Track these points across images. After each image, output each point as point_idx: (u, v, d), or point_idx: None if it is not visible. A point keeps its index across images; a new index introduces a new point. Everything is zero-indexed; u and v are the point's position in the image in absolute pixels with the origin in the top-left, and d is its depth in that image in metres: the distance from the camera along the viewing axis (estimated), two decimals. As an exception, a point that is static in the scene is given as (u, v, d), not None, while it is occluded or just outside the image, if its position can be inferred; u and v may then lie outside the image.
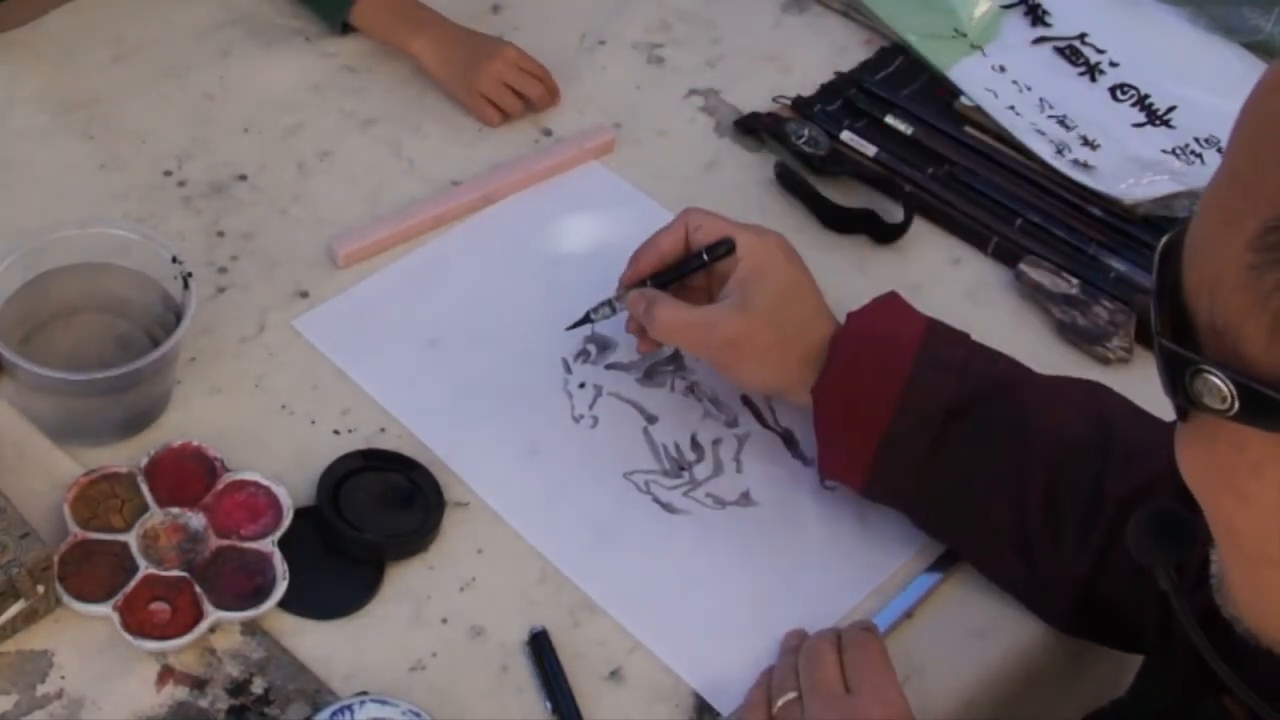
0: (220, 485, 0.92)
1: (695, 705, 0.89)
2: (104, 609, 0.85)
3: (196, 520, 0.90)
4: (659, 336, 0.97)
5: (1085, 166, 1.21)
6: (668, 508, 0.98)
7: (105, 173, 1.12)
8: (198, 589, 0.87)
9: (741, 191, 1.18)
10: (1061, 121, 1.26)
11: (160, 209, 1.10)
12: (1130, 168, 1.22)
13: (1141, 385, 0.92)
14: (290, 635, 0.88)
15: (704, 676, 0.90)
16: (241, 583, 0.88)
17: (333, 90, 1.21)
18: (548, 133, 1.21)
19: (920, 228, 1.17)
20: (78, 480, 0.90)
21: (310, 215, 1.12)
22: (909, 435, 0.91)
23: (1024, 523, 0.90)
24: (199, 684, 0.85)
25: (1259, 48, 1.34)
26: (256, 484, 0.92)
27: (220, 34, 1.24)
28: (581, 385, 1.04)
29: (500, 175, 1.16)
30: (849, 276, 1.11)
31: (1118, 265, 1.15)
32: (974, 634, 0.94)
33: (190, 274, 0.95)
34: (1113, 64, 1.33)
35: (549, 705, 0.87)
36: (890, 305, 0.95)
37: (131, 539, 0.88)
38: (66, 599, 0.85)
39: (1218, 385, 0.52)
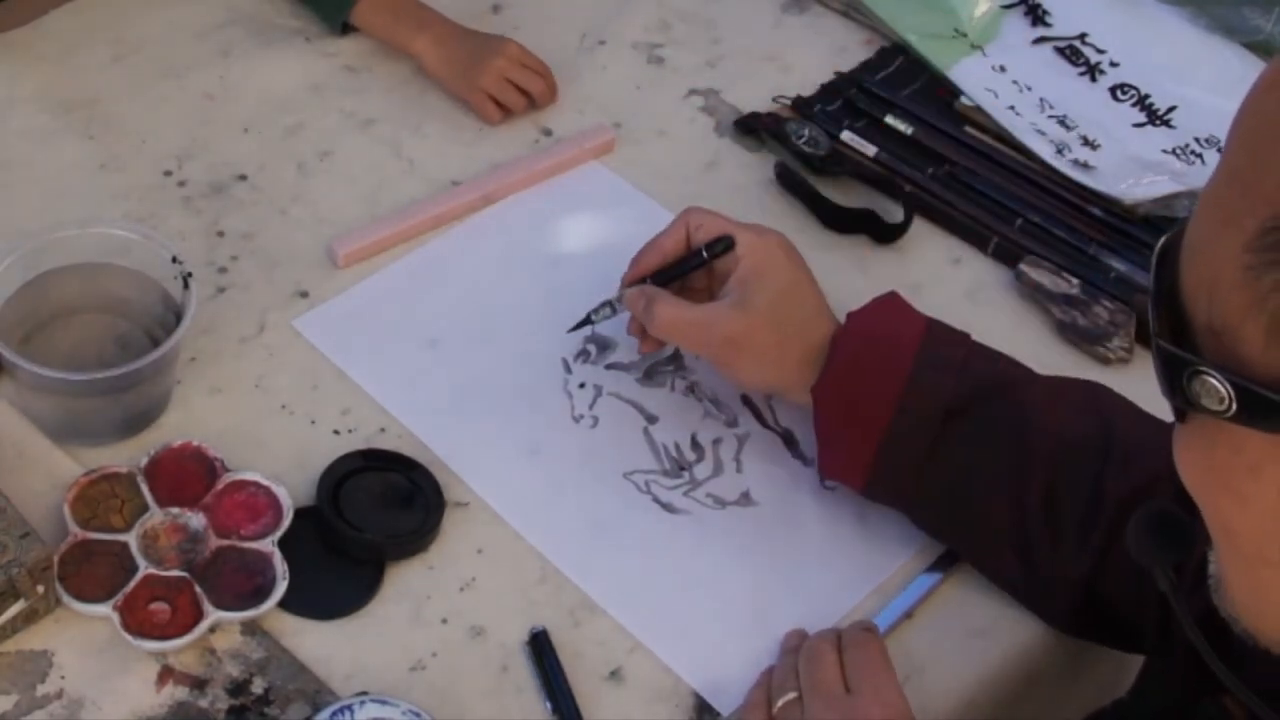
0: (220, 485, 0.92)
1: (695, 705, 0.89)
2: (104, 609, 0.85)
3: (196, 520, 0.90)
4: (658, 334, 0.96)
5: (1085, 166, 1.21)
6: (668, 508, 0.98)
7: (105, 173, 1.12)
8: (198, 589, 0.87)
9: (741, 191, 1.18)
10: (1062, 121, 1.26)
11: (160, 209, 1.10)
12: (1130, 168, 1.22)
13: (1141, 385, 0.92)
14: (290, 635, 0.88)
15: (704, 676, 0.90)
16: (241, 583, 0.88)
17: (333, 90, 1.21)
18: (548, 133, 1.21)
19: (920, 228, 1.17)
20: (78, 480, 0.90)
21: (310, 215, 1.12)
22: (909, 435, 0.91)
23: (1024, 523, 0.90)
24: (199, 684, 0.85)
25: (1259, 48, 1.34)
26: (256, 484, 0.92)
27: (220, 34, 1.24)
28: (581, 385, 1.04)
29: (500, 175, 1.16)
30: (849, 276, 1.11)
31: (1118, 265, 1.15)
32: (974, 634, 0.94)
33: (190, 274, 0.95)
34: (1113, 64, 1.33)
35: (549, 705, 0.87)
36: (890, 305, 0.95)
37: (131, 539, 0.88)
38: (66, 599, 0.85)
39: (1215, 386, 0.52)
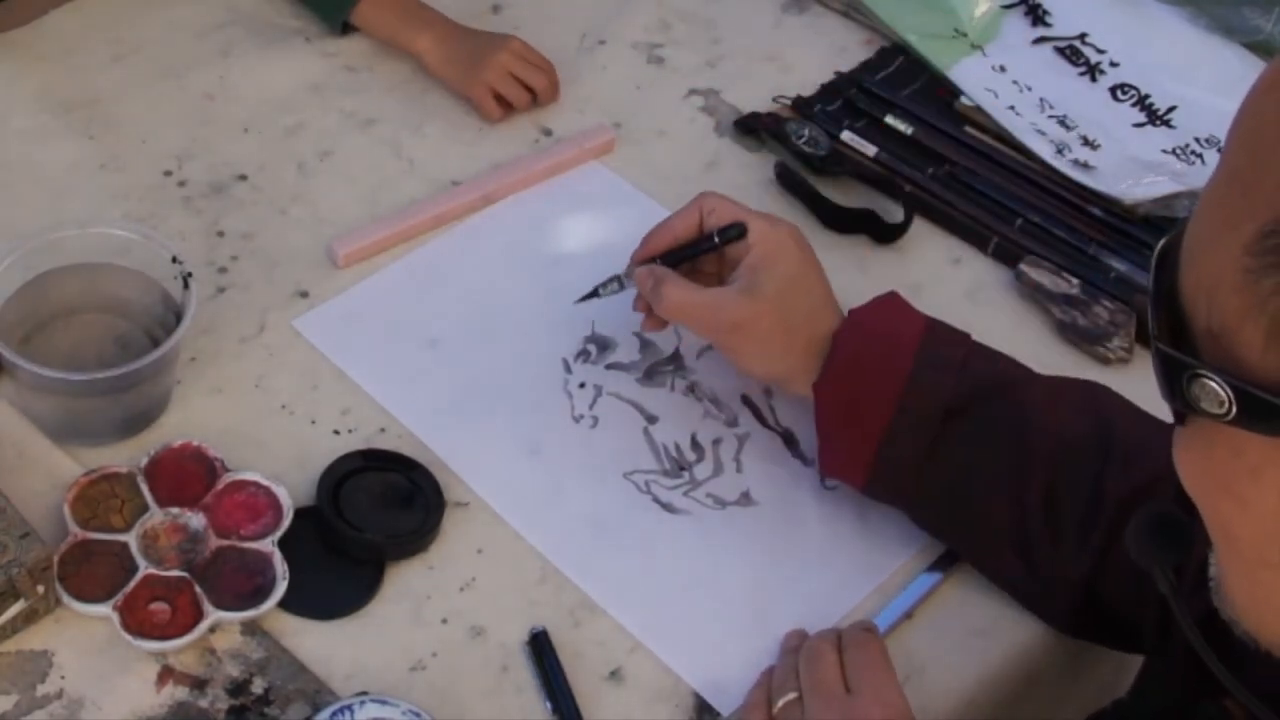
0: (220, 485, 0.92)
1: (695, 705, 0.89)
2: (104, 609, 0.85)
3: (196, 520, 0.90)
4: (665, 314, 0.96)
5: (1085, 166, 1.21)
6: (668, 508, 0.98)
7: (105, 173, 1.12)
8: (198, 589, 0.87)
9: (741, 191, 1.18)
10: (1061, 121, 1.26)
11: (160, 209, 1.10)
12: (1130, 168, 1.22)
13: (1141, 385, 0.92)
14: (290, 635, 0.88)
15: (704, 676, 0.90)
16: (241, 583, 0.88)
17: (333, 90, 1.21)
18: (548, 133, 1.21)
19: (920, 228, 1.17)
20: (78, 480, 0.90)
21: (310, 215, 1.12)
22: (909, 434, 0.91)
23: (1024, 522, 0.90)
24: (199, 684, 0.85)
25: (1259, 48, 1.34)
26: (256, 484, 0.92)
27: (220, 34, 1.24)
28: (581, 385, 1.04)
29: (500, 175, 1.16)
30: (849, 276, 1.11)
31: (1118, 265, 1.15)
32: (974, 634, 0.94)
33: (190, 274, 0.95)
34: (1113, 64, 1.33)
35: (549, 705, 0.87)
36: (890, 304, 0.95)
37: (131, 539, 0.88)
38: (66, 599, 0.85)
39: (1215, 390, 0.51)
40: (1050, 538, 0.89)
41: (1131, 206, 1.19)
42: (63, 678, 0.84)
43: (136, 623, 0.85)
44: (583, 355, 1.05)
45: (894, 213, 1.17)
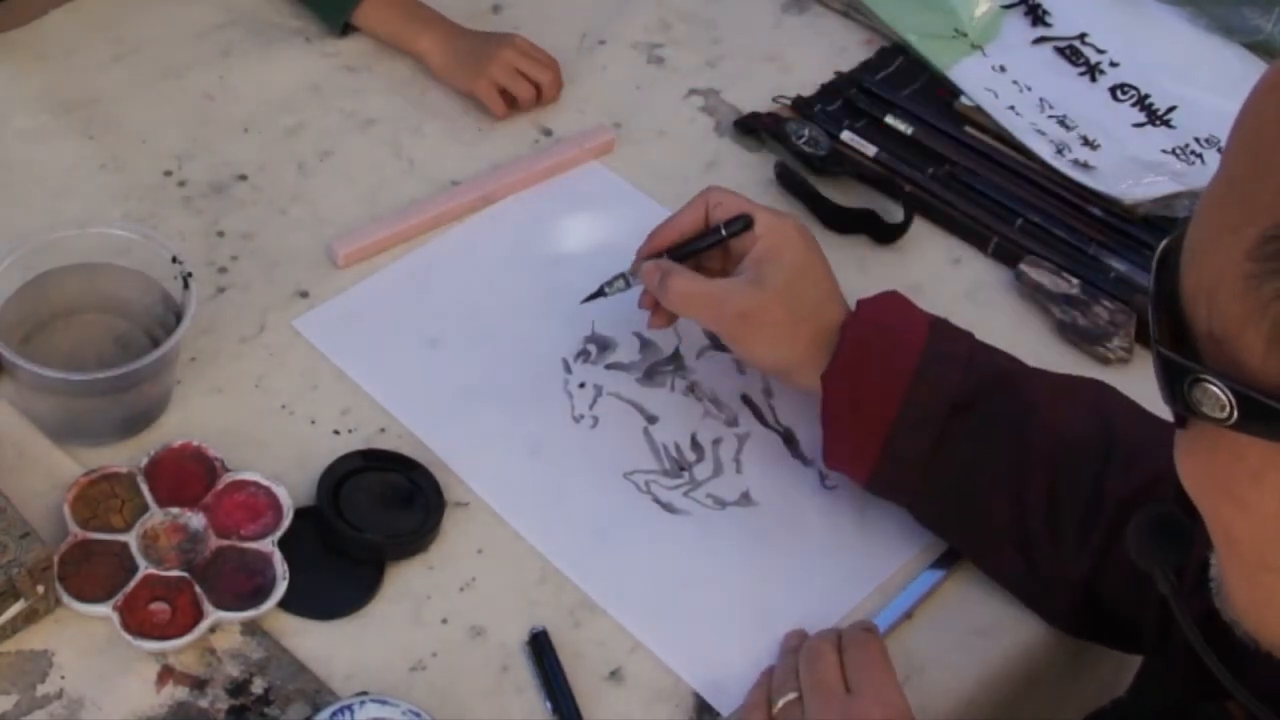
0: (220, 485, 0.92)
1: (695, 705, 0.89)
2: (104, 609, 0.85)
3: (196, 520, 0.90)
4: (672, 306, 0.96)
5: (1085, 166, 1.21)
6: (668, 508, 0.98)
7: (105, 173, 1.12)
8: (198, 589, 0.87)
9: (741, 191, 1.17)
10: (1061, 121, 1.26)
11: (160, 209, 1.10)
12: (1130, 168, 1.22)
13: (1141, 385, 0.92)
14: (290, 635, 0.88)
15: (704, 676, 0.90)
16: (241, 583, 0.88)
17: (333, 90, 1.21)
18: (548, 133, 1.21)
19: (920, 228, 1.17)
20: (78, 480, 0.90)
21: (310, 215, 1.12)
22: (915, 428, 0.91)
23: (1024, 520, 0.90)
24: (199, 684, 0.85)
25: (1259, 48, 1.34)
26: (256, 484, 0.92)
27: (220, 34, 1.24)
28: (581, 385, 1.04)
29: (500, 175, 1.16)
30: (849, 276, 1.10)
31: (1118, 265, 1.15)
32: (974, 633, 0.94)
33: (190, 274, 0.95)
34: (1113, 64, 1.33)
35: (549, 705, 0.87)
36: (895, 300, 0.95)
37: (131, 539, 0.88)
38: (66, 599, 0.85)
39: (1216, 394, 0.51)
40: (1051, 537, 0.90)
41: (1131, 206, 1.19)
42: (63, 678, 0.84)
43: (136, 623, 0.85)
44: (583, 355, 1.05)
45: (894, 213, 1.17)
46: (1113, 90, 1.31)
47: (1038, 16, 1.36)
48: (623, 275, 0.99)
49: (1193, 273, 0.53)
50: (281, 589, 0.88)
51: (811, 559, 0.96)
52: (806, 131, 1.20)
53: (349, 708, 0.83)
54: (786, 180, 1.19)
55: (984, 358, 0.93)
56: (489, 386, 1.03)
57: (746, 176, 1.20)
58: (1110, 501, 0.88)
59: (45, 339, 0.95)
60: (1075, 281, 1.12)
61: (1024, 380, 0.93)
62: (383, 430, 0.99)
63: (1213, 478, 0.55)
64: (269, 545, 0.89)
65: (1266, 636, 0.58)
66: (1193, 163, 1.24)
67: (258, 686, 0.85)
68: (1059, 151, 1.22)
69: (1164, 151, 1.25)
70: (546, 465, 0.99)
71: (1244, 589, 0.58)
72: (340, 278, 1.08)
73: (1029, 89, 1.29)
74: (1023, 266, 1.13)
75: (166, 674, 0.85)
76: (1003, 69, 1.30)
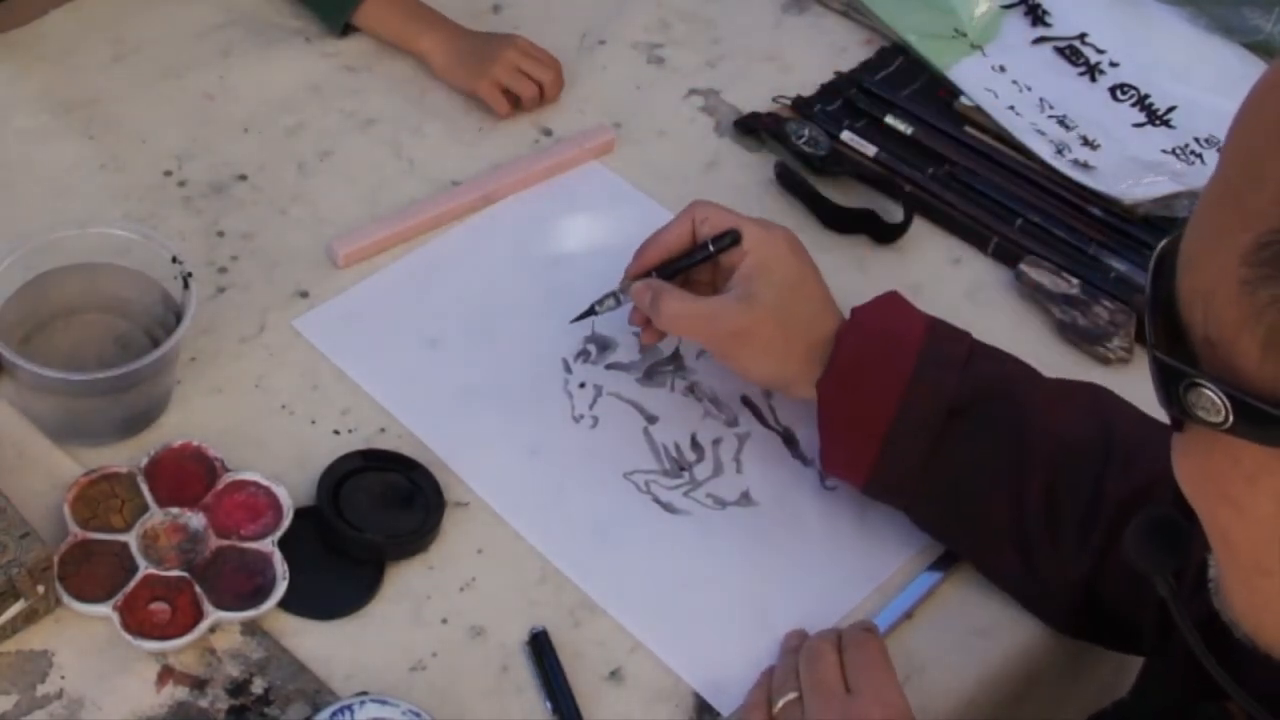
0: (220, 485, 0.92)
1: (695, 705, 0.89)
2: (104, 609, 0.85)
3: (196, 520, 0.90)
4: (664, 327, 0.96)
5: (1085, 166, 1.21)
6: (668, 508, 0.98)
7: (105, 173, 1.12)
8: (198, 589, 0.87)
9: (741, 191, 1.18)
10: (1061, 121, 1.26)
11: (160, 209, 1.10)
12: (1130, 168, 1.22)
13: (1141, 385, 0.91)
14: (290, 635, 0.88)
15: (704, 676, 0.90)
16: (241, 583, 0.88)
17: (333, 90, 1.21)
18: (548, 133, 1.21)
19: (920, 228, 1.17)
20: (78, 480, 0.90)
21: (310, 215, 1.12)
22: (912, 432, 0.91)
23: (1023, 523, 0.90)
24: (199, 684, 0.85)
25: (1259, 48, 1.34)
26: (256, 484, 0.92)
27: (220, 34, 1.24)
28: (581, 385, 1.04)
29: (500, 175, 1.16)
30: (849, 276, 1.11)
31: (1118, 265, 1.15)
32: (974, 634, 0.94)
33: (190, 274, 0.95)
34: (1113, 64, 1.33)
35: (549, 705, 0.87)
36: (892, 303, 0.95)
37: (131, 539, 0.88)
38: (66, 599, 0.85)
39: (1212, 398, 0.51)
40: (1050, 538, 0.90)
41: (1131, 206, 1.19)
42: (63, 678, 0.84)
43: (136, 623, 0.85)
44: (583, 355, 1.05)
45: (894, 213, 1.17)
46: (1113, 90, 1.31)
47: (1038, 16, 1.36)
48: (613, 293, 1.00)
49: (1189, 277, 0.53)
50: (281, 589, 0.88)
51: (811, 559, 0.96)
52: (806, 131, 1.20)
53: (349, 708, 0.83)
54: (786, 180, 1.19)
55: (982, 360, 0.93)
56: (489, 386, 1.03)
57: (746, 176, 1.20)
58: (1110, 502, 0.88)
59: (45, 339, 0.95)
60: (1075, 281, 1.12)
61: (1021, 383, 0.93)
62: (383, 430, 0.99)
63: (1209, 481, 0.55)
64: (269, 545, 0.89)
65: (1264, 639, 0.58)
66: (1193, 163, 1.24)
67: (258, 686, 0.85)
68: (1059, 151, 1.22)
69: (1164, 151, 1.25)
70: (546, 465, 0.99)
71: (1241, 592, 0.58)
72: (340, 278, 1.08)
73: (1029, 89, 1.29)
74: (1023, 266, 1.13)
75: (166, 674, 0.85)
76: (1002, 69, 1.30)
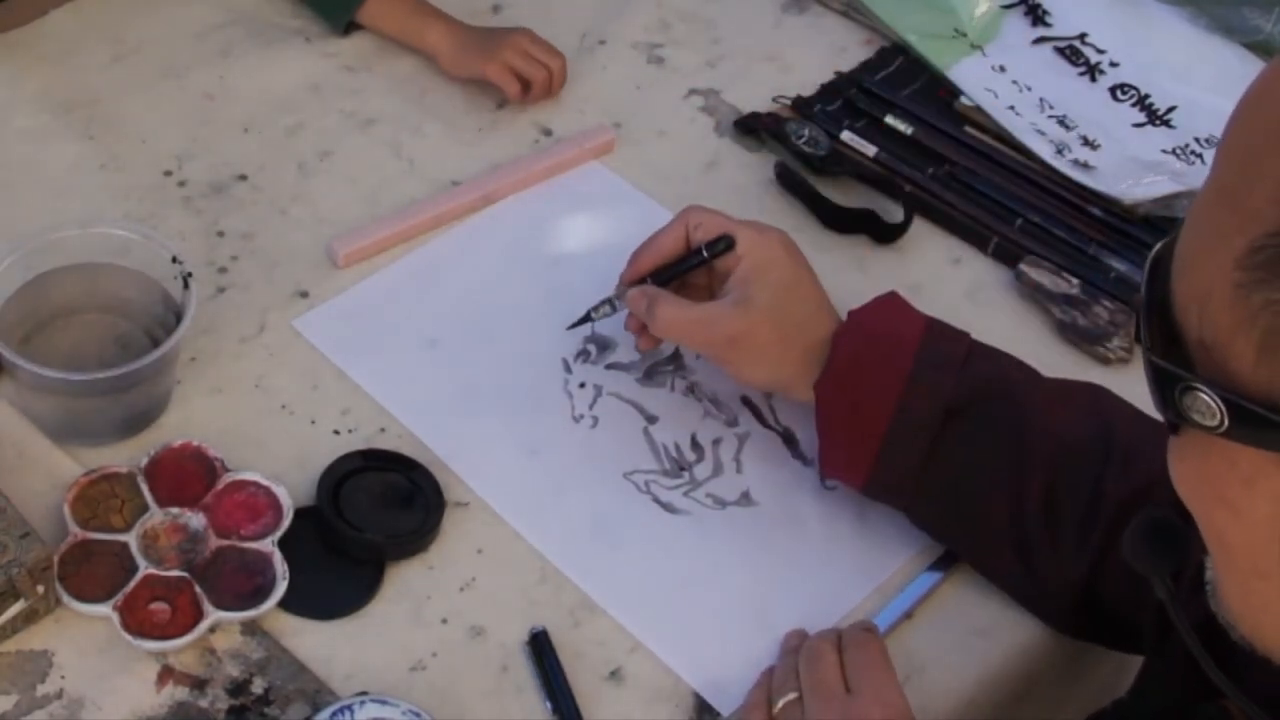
0: (220, 485, 0.92)
1: (695, 705, 0.89)
2: (104, 609, 0.85)
3: (196, 520, 0.90)
4: (660, 334, 0.97)
5: (1085, 166, 1.21)
6: (668, 508, 0.98)
7: (105, 173, 1.12)
8: (198, 589, 0.87)
9: (741, 191, 1.18)
10: (1061, 121, 1.26)
11: (160, 209, 1.10)
12: (1130, 168, 1.22)
13: (1141, 385, 0.90)
14: (290, 635, 0.88)
15: (704, 676, 0.90)
16: (241, 583, 0.88)
17: (333, 90, 1.21)
18: (548, 133, 1.21)
19: (920, 228, 1.17)
20: (78, 480, 0.90)
21: (310, 215, 1.12)
22: (910, 433, 0.91)
23: (1023, 523, 0.90)
24: (199, 684, 0.85)
25: (1259, 48, 1.34)
26: (256, 484, 0.92)
27: (220, 34, 1.24)
28: (581, 385, 1.04)
29: (500, 175, 1.16)
30: (849, 276, 1.11)
31: (1118, 265, 1.15)
32: (974, 634, 0.94)
33: (190, 274, 0.95)
34: (1113, 64, 1.33)
35: (549, 705, 0.87)
36: (890, 304, 0.95)
37: (131, 539, 0.88)
38: (66, 599, 0.85)
39: (1207, 402, 0.51)
40: (1049, 539, 0.90)
41: (1131, 206, 1.19)
42: (63, 678, 0.84)
43: (136, 623, 0.85)
44: (583, 355, 1.05)
45: (894, 213, 1.17)
46: (1113, 90, 1.31)
47: (1038, 16, 1.36)
48: (609, 300, 1.00)
49: (1184, 280, 0.53)
50: (281, 589, 0.88)
51: (811, 559, 0.96)
52: (806, 131, 1.20)
53: (349, 708, 0.83)
54: (786, 180, 1.19)
55: (980, 360, 0.93)
56: (489, 386, 1.03)
57: (746, 176, 1.20)
58: (1109, 503, 0.88)
59: (45, 339, 0.95)
60: (1075, 281, 1.12)
61: (1020, 384, 0.93)
62: (383, 430, 0.99)
63: (1205, 484, 0.55)
64: (269, 545, 0.89)
65: (1262, 641, 0.58)
66: (1193, 163, 1.24)
67: (258, 686, 0.85)
68: (1059, 151, 1.22)
69: (1164, 151, 1.25)
70: (546, 465, 0.99)
71: (1238, 594, 0.58)
72: (340, 278, 1.08)
73: (1029, 89, 1.29)
74: (1023, 266, 1.13)
75: (166, 674, 0.85)
76: (1003, 69, 1.30)
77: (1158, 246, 0.56)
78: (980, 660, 0.93)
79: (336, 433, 0.98)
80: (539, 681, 0.88)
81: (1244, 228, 0.50)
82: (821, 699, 0.83)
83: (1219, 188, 0.52)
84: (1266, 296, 0.49)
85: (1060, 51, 1.34)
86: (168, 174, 1.13)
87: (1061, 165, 1.21)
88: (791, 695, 0.84)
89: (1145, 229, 1.18)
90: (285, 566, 0.88)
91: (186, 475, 0.92)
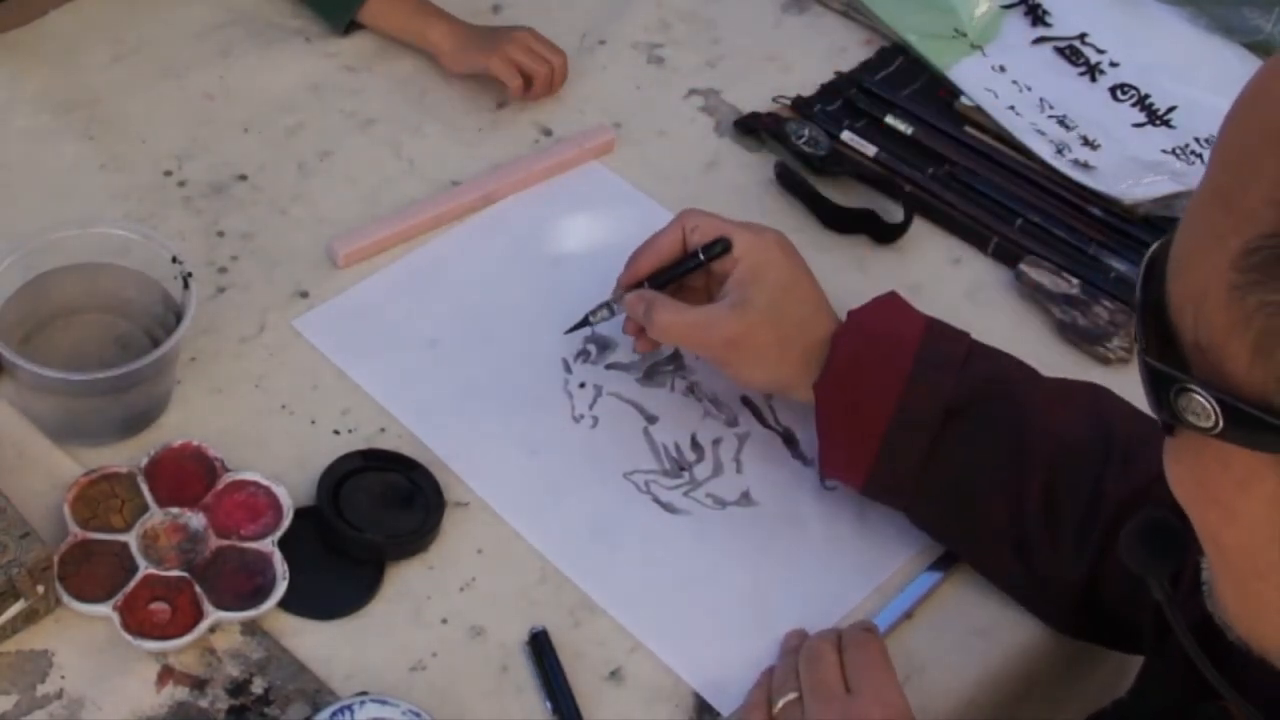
0: (220, 485, 0.92)
1: (695, 705, 0.89)
2: (104, 609, 0.85)
3: (196, 520, 0.90)
4: (658, 337, 0.97)
5: (1085, 166, 1.21)
6: (668, 508, 0.98)
7: (105, 173, 1.12)
8: (198, 589, 0.87)
9: (741, 191, 1.18)
10: (1061, 121, 1.26)
11: (160, 209, 1.10)
12: (1130, 168, 1.22)
13: (1141, 385, 0.92)
14: (290, 635, 0.88)
15: (704, 676, 0.90)
16: (241, 583, 0.88)
17: (333, 90, 1.21)
18: (548, 133, 1.21)
19: (920, 228, 1.17)
20: (78, 480, 0.90)
21: (310, 215, 1.12)
22: (910, 434, 0.91)
23: (1022, 523, 0.90)
24: (199, 684, 0.85)
25: (1259, 48, 1.34)
26: (256, 484, 0.92)
27: (220, 34, 1.24)
28: (581, 385, 1.04)
29: (500, 175, 1.16)
30: (849, 276, 1.11)
31: (1118, 265, 1.15)
32: (974, 634, 0.94)
33: (190, 274, 0.95)
34: (1113, 64, 1.33)
35: (549, 705, 0.87)
36: (890, 304, 0.95)
37: (131, 539, 0.88)
38: (66, 599, 0.85)
39: (1202, 403, 0.51)
40: (1049, 539, 0.90)
41: (1131, 206, 1.19)
42: (63, 678, 0.84)
43: (136, 623, 0.85)
44: (583, 355, 1.05)
45: (894, 213, 1.17)
46: (1113, 90, 1.31)
47: (1038, 16, 1.36)
48: (607, 304, 1.00)
49: (1179, 282, 0.53)
50: (281, 589, 0.88)
51: (811, 559, 0.96)
52: (806, 131, 1.20)
53: (349, 708, 0.83)
54: (786, 180, 1.19)
55: (980, 360, 0.93)
56: (489, 386, 1.03)
57: (746, 176, 1.20)
58: (1109, 503, 0.88)
59: (45, 339, 0.95)
60: (1075, 281, 1.12)
61: (1020, 383, 0.93)
62: (383, 430, 0.99)
63: (1201, 485, 0.55)
64: (269, 545, 0.89)
65: (1258, 642, 0.58)
66: (1193, 163, 1.24)
67: (258, 686, 0.85)
68: (1059, 151, 1.23)
69: (1164, 151, 1.25)
70: (546, 465, 0.99)
71: (1234, 596, 0.58)
72: (340, 278, 1.08)
73: (1029, 89, 1.29)
74: (1023, 266, 1.13)
75: (166, 674, 0.85)
76: (1003, 69, 1.30)
77: (1153, 248, 0.56)
78: (980, 660, 0.93)
79: (336, 433, 0.98)
80: (539, 681, 0.88)
81: (1239, 229, 0.50)
82: (821, 699, 0.83)
83: (1214, 189, 0.52)
84: (1261, 298, 0.49)
85: (1060, 51, 1.34)
86: (168, 174, 1.13)
87: (1061, 165, 1.21)
88: (791, 695, 0.84)
89: (1145, 229, 1.18)
90: (285, 566, 0.88)
91: (186, 475, 0.92)
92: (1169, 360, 0.53)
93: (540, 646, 0.89)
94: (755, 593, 0.94)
